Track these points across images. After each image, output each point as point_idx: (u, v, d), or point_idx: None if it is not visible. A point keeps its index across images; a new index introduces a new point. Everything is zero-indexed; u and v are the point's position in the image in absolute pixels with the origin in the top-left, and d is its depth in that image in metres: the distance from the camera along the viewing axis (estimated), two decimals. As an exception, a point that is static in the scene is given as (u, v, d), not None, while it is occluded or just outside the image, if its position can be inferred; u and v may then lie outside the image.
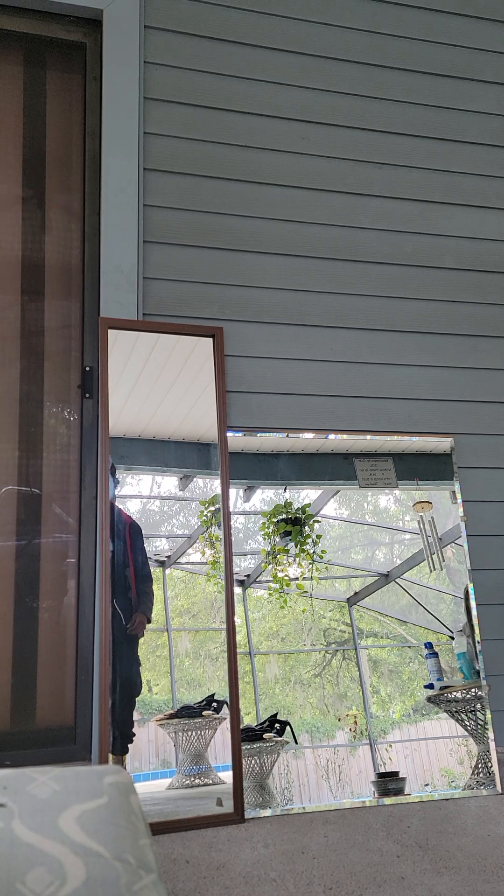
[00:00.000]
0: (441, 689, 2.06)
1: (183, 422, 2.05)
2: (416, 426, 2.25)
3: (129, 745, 1.82)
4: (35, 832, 0.82)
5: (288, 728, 1.93)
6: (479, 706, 2.05)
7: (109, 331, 2.01)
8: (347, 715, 1.99)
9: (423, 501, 2.20)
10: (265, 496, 2.10)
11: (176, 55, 2.26)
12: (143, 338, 2.05)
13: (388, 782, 1.95)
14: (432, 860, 1.71)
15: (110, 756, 1.78)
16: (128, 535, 1.94)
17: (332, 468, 2.16)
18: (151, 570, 1.95)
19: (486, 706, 2.05)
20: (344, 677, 2.04)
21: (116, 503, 1.95)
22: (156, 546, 1.97)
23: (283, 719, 1.93)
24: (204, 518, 2.01)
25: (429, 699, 2.05)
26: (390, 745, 2.00)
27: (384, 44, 2.46)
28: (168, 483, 2.02)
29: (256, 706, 1.94)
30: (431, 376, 2.30)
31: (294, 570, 2.06)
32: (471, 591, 2.14)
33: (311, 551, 2.08)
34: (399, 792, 1.94)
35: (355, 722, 1.99)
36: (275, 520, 2.08)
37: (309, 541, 2.09)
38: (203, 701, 1.89)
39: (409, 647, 2.11)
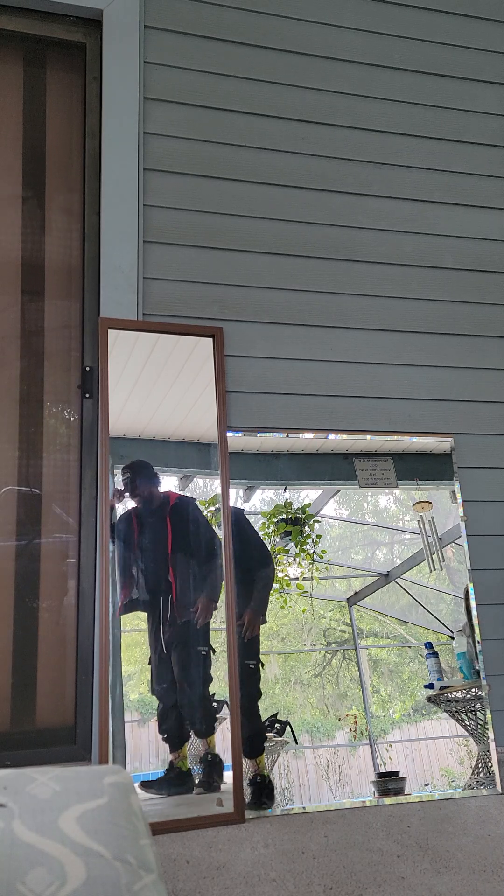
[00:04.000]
0: (441, 688, 2.06)
1: (183, 422, 2.05)
2: (416, 426, 2.25)
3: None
4: (35, 832, 0.82)
5: (288, 728, 1.93)
6: (479, 706, 2.05)
7: (109, 331, 2.01)
8: (347, 715, 1.99)
9: (423, 501, 2.20)
10: (265, 496, 2.10)
11: (176, 55, 2.26)
12: (143, 338, 2.05)
13: (388, 782, 1.95)
14: (432, 860, 1.71)
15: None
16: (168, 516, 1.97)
17: (332, 468, 2.16)
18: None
19: (486, 706, 2.05)
20: (344, 677, 2.04)
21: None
22: (156, 546, 1.98)
23: (283, 719, 1.93)
24: (204, 518, 2.01)
25: (429, 699, 2.05)
26: (390, 745, 2.00)
27: (384, 44, 2.46)
28: (168, 483, 2.01)
29: (256, 706, 1.94)
30: (431, 376, 2.30)
31: (294, 570, 2.06)
32: (471, 591, 2.14)
33: (311, 551, 2.08)
34: (399, 792, 1.94)
35: (355, 722, 1.99)
36: (275, 520, 2.08)
37: (309, 541, 2.09)
38: (203, 701, 1.89)
39: (409, 647, 2.11)
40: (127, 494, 1.94)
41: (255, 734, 1.87)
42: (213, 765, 1.81)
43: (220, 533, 1.97)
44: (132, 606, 1.89)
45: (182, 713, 1.85)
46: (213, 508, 2.00)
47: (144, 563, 1.92)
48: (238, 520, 2.02)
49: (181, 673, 1.87)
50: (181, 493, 1.99)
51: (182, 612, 1.90)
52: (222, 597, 1.93)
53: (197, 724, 1.84)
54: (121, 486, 1.94)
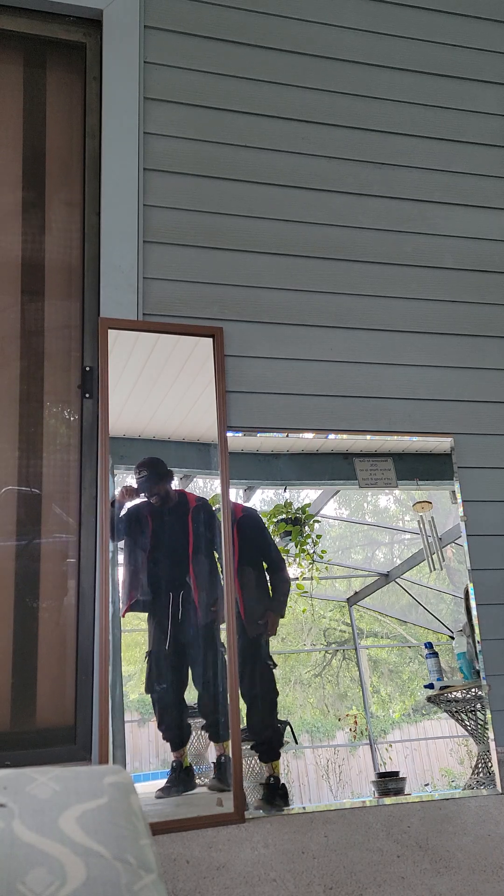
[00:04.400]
0: (441, 688, 2.06)
1: (183, 422, 2.05)
2: (416, 426, 2.25)
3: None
4: (35, 832, 0.82)
5: (288, 728, 1.93)
6: (479, 706, 2.05)
7: (109, 331, 2.01)
8: (347, 715, 1.99)
9: (423, 501, 2.20)
10: (265, 496, 2.10)
11: (176, 55, 2.26)
12: (142, 338, 2.05)
13: (388, 782, 1.95)
14: (432, 860, 1.71)
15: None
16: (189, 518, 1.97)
17: (332, 468, 2.16)
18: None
19: (486, 706, 2.05)
20: (344, 677, 2.04)
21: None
22: (156, 546, 1.97)
23: (283, 719, 1.93)
24: (204, 518, 2.01)
25: (429, 699, 2.05)
26: (390, 745, 2.00)
27: (384, 44, 2.46)
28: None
29: (256, 706, 1.94)
30: (431, 376, 2.30)
31: (294, 570, 2.06)
32: (471, 591, 2.14)
33: (311, 551, 2.08)
34: (399, 792, 1.94)
35: (355, 722, 1.99)
36: (275, 520, 2.08)
37: (309, 541, 2.09)
38: (203, 701, 1.89)
39: (409, 647, 2.11)
40: (143, 493, 1.94)
41: (273, 738, 1.88)
42: (226, 766, 1.82)
43: (222, 534, 1.97)
44: (140, 605, 1.89)
45: (184, 714, 1.86)
46: (213, 508, 2.00)
47: (159, 561, 1.92)
48: (259, 523, 2.04)
49: (202, 675, 1.87)
50: (197, 494, 2.00)
51: (202, 614, 1.90)
52: (224, 597, 1.93)
53: (219, 729, 1.85)
54: (134, 485, 1.94)
